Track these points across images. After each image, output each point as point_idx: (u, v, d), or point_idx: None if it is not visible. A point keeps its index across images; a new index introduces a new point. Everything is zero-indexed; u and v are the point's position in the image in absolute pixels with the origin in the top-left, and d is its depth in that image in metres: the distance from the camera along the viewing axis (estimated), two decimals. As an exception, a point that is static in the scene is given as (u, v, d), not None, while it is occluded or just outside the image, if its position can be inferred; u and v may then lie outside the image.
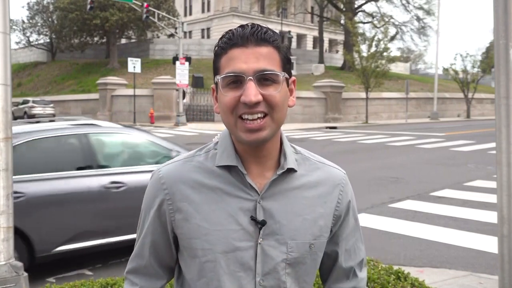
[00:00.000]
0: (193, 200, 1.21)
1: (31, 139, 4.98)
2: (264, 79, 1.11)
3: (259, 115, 1.12)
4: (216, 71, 1.17)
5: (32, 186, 4.72)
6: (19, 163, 4.52)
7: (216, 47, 1.17)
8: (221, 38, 1.16)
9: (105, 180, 5.10)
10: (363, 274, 1.36)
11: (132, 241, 1.41)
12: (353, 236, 1.33)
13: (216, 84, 1.18)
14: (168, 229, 1.25)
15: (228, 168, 1.21)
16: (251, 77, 1.10)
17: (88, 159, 5.21)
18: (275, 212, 1.20)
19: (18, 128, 5.05)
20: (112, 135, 5.78)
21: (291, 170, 1.23)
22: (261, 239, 1.19)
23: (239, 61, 1.11)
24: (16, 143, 4.68)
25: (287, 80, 1.18)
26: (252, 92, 1.09)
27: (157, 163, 5.57)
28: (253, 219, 1.18)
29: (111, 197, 5.11)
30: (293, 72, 41.08)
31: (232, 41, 1.13)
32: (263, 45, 1.12)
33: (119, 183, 5.16)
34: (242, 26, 1.15)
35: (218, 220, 1.19)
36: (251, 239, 1.19)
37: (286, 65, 1.17)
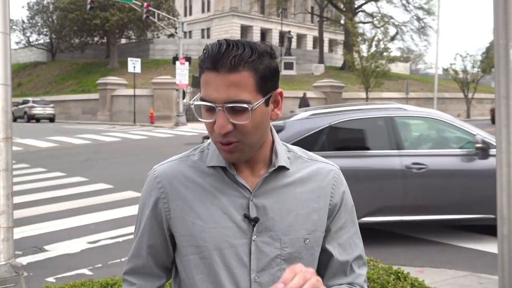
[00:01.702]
0: (187, 199, 1.22)
1: (344, 120, 5.69)
2: (234, 108, 1.10)
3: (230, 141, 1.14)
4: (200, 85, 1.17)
5: (342, 161, 5.12)
6: (331, 141, 5.56)
7: (198, 61, 1.16)
8: (203, 50, 1.14)
9: (408, 161, 5.47)
10: (361, 271, 1.32)
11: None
12: (347, 231, 1.31)
13: None
14: (164, 228, 1.26)
15: (221, 167, 1.23)
16: (220, 108, 1.10)
17: (393, 140, 5.60)
18: (268, 209, 1.21)
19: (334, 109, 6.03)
20: (417, 119, 6.15)
21: (282, 168, 1.24)
22: (255, 236, 1.20)
23: (211, 88, 1.10)
24: (333, 123, 5.59)
25: (267, 98, 1.15)
26: (221, 123, 1.11)
27: (461, 148, 5.79)
28: (246, 216, 1.20)
29: (411, 177, 5.46)
30: (293, 72, 41.23)
31: (205, 64, 1.11)
32: (235, 71, 1.08)
33: (420, 165, 5.47)
34: (219, 44, 1.11)
35: (213, 218, 1.20)
36: (245, 236, 1.20)
37: (267, 83, 1.13)
